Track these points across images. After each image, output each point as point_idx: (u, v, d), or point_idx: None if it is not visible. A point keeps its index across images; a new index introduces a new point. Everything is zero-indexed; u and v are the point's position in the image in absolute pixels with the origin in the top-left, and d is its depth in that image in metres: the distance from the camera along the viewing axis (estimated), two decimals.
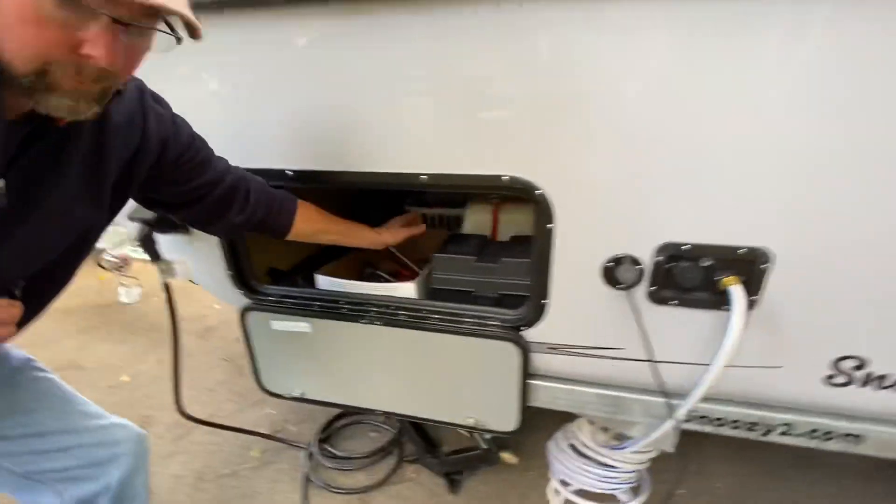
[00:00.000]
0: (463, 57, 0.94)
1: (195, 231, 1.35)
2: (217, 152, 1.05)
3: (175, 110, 0.96)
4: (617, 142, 0.94)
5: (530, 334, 1.21)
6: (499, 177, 1.03)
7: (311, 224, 1.18)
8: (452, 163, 1.06)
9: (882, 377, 1.03)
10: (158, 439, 2.00)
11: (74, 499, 0.95)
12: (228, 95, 1.13)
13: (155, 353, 2.72)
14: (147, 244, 1.26)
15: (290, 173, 1.16)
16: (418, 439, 1.79)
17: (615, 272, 1.06)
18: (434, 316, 1.27)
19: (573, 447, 1.73)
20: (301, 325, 1.36)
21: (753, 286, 1.00)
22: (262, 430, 2.02)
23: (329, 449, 1.90)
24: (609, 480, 1.66)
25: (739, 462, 1.85)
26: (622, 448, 1.37)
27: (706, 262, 1.02)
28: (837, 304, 0.98)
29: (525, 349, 1.18)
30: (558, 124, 0.96)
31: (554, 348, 1.23)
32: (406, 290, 1.35)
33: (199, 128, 1.01)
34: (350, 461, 1.85)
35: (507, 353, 1.20)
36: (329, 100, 1.07)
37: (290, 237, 1.16)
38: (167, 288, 1.34)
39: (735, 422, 1.22)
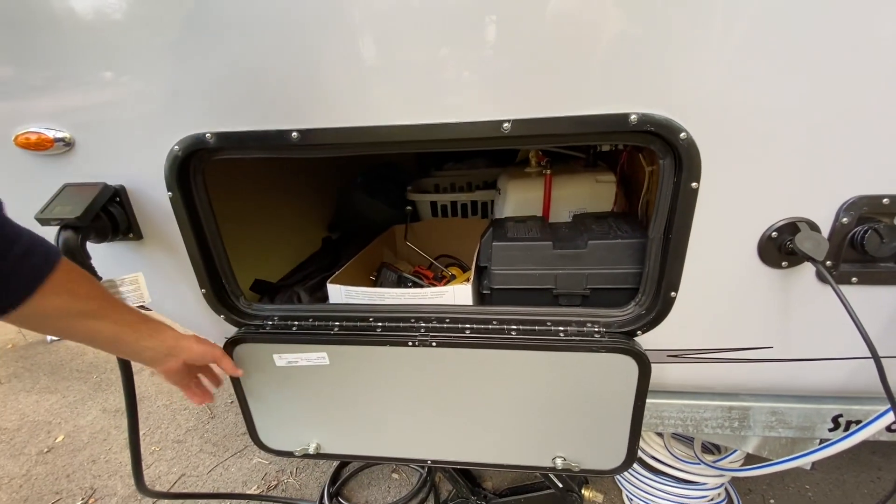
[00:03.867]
0: None
1: (148, 234, 0.93)
2: None
3: None
4: (804, 57, 0.64)
5: (645, 340, 0.89)
6: (625, 116, 0.70)
7: (73, 299, 0.67)
8: (547, 102, 0.72)
9: None
10: None
11: None
12: None
13: (97, 401, 2.17)
14: (78, 258, 0.82)
15: (296, 133, 0.78)
16: (458, 478, 1.44)
17: (783, 244, 0.76)
18: (508, 327, 0.92)
19: (643, 463, 1.46)
20: (317, 357, 0.97)
21: None
22: (254, 490, 1.59)
23: (345, 503, 1.51)
24: (696, 500, 1.40)
25: None
26: (762, 465, 1.07)
27: None
28: None
29: (645, 362, 0.87)
30: (714, 32, 0.65)
31: (676, 355, 0.92)
32: (460, 294, 1.00)
33: None
34: None
35: (619, 369, 0.88)
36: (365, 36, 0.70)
37: (27, 314, 0.62)
38: None
39: None
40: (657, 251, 0.83)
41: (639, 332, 0.88)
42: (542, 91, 0.71)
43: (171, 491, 1.52)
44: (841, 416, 0.97)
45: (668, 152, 0.74)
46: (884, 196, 0.72)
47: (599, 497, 1.28)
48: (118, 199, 0.88)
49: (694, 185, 0.74)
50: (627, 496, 1.45)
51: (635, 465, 1.43)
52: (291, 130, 0.78)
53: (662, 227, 0.81)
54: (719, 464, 1.26)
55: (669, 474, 1.38)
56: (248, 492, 1.58)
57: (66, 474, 1.74)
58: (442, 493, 1.55)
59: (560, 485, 1.25)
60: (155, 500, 1.48)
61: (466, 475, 1.47)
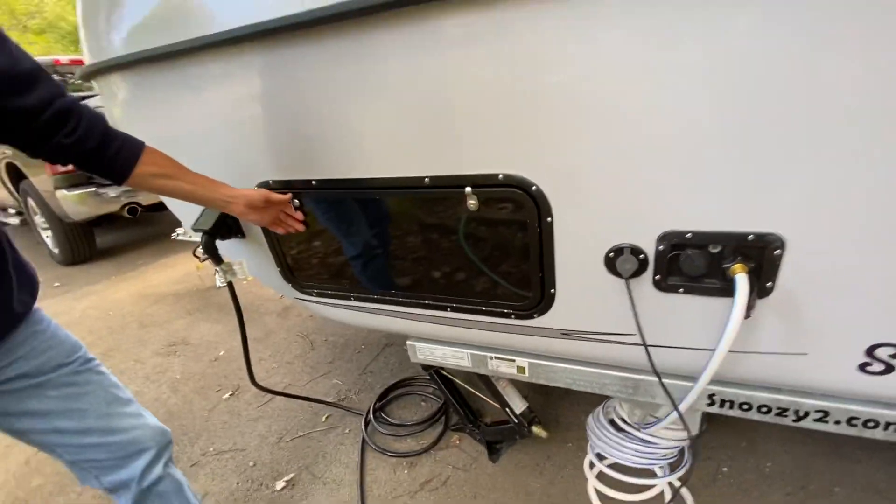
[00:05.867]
0: (455, 63, 0.97)
1: (250, 234, 1.56)
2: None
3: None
4: (609, 132, 0.93)
5: (542, 321, 1.25)
6: (495, 175, 1.07)
7: (158, 167, 1.04)
8: (453, 164, 1.11)
9: None
10: (247, 405, 2.38)
11: (109, 482, 1.13)
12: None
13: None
14: (210, 250, 1.49)
15: (314, 182, 1.30)
16: (461, 410, 1.94)
17: (616, 262, 1.06)
18: None
19: (612, 422, 1.76)
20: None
21: (767, 272, 0.95)
22: (329, 399, 2.30)
23: (384, 416, 2.13)
24: (645, 455, 1.68)
25: (799, 441, 1.75)
26: (647, 428, 1.39)
27: (714, 249, 0.99)
28: (867, 290, 0.91)
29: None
30: (549, 119, 0.96)
31: (567, 334, 1.26)
32: None
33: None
34: (402, 428, 2.06)
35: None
36: (334, 111, 1.17)
37: (133, 181, 1.00)
38: (231, 286, 1.58)
39: (763, 406, 1.18)
40: (539, 261, 1.17)
41: (535, 314, 1.25)
42: (446, 158, 1.11)
43: (280, 391, 2.29)
44: (714, 395, 1.21)
45: (529, 197, 1.08)
46: (687, 231, 0.97)
47: (544, 433, 1.67)
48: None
49: (549, 219, 1.07)
50: (591, 445, 1.79)
51: (604, 423, 1.75)
52: (312, 179, 1.30)
53: (539, 246, 1.15)
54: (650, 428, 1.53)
55: (625, 430, 1.69)
56: (328, 399, 2.30)
57: (224, 375, 2.69)
58: (453, 422, 2.07)
59: (516, 420, 1.66)
60: (269, 395, 2.28)
61: (468, 409, 1.96)
